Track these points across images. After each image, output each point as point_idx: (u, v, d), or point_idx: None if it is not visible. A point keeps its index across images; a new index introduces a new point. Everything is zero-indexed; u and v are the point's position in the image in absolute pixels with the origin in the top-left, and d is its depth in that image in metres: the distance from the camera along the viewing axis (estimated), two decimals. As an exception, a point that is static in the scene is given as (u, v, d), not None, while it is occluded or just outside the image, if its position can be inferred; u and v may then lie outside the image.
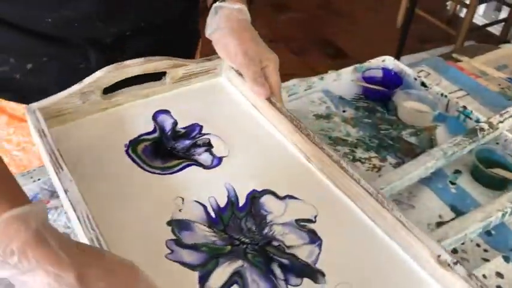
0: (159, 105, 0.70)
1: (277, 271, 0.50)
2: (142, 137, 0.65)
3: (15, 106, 0.72)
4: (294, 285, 0.49)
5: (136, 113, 0.68)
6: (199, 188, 0.58)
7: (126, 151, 0.62)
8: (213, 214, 0.55)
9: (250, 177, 0.60)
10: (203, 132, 0.66)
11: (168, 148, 0.64)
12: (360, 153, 0.73)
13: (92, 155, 0.61)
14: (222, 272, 0.50)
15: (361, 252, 0.53)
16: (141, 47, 0.71)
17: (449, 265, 0.48)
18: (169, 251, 0.51)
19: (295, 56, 2.48)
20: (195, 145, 0.64)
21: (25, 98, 0.67)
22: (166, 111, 0.69)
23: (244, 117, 0.69)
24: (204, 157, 0.62)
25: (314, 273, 0.50)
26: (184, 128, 0.67)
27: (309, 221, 0.55)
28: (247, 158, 0.63)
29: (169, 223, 0.54)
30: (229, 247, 0.52)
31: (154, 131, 0.66)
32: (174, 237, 0.52)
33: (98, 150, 0.62)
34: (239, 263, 0.51)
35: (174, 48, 0.73)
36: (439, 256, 0.49)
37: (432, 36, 2.68)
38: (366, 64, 0.89)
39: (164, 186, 0.58)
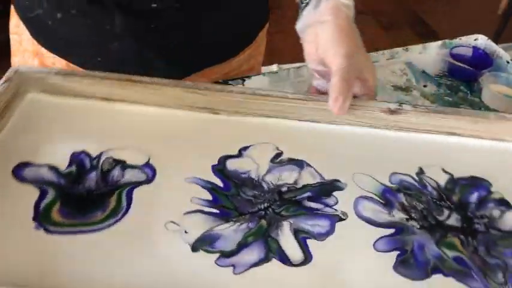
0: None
1: (312, 204, 0.50)
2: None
3: (45, 52, 0.70)
4: (332, 205, 0.50)
5: None
6: (165, 204, 0.49)
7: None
8: (214, 209, 0.49)
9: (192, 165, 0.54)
10: (93, 155, 0.53)
11: (79, 195, 0.49)
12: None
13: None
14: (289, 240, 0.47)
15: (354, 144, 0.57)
16: (180, 22, 0.66)
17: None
18: (218, 264, 0.44)
19: (384, 31, 2.13)
20: (105, 172, 0.51)
21: (55, 48, 0.69)
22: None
23: (103, 113, 0.58)
24: (134, 173, 0.51)
25: (332, 185, 0.52)
26: (67, 166, 0.51)
27: (278, 155, 0.55)
28: (176, 152, 0.55)
29: (194, 249, 0.45)
30: (264, 222, 0.48)
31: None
32: (217, 256, 0.45)
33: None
34: (286, 223, 0.48)
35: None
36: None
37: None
38: (456, 41, 0.82)
39: (138, 226, 0.46)
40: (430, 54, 0.82)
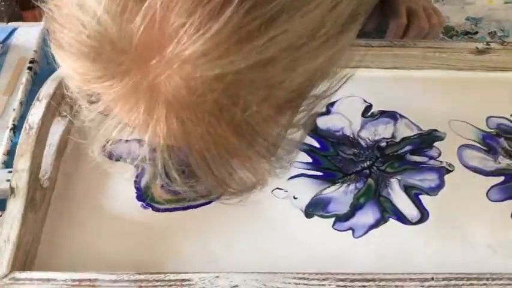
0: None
1: (416, 158, 0.48)
2: (144, 183, 0.46)
3: None
4: (436, 157, 0.49)
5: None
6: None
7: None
8: (317, 172, 0.47)
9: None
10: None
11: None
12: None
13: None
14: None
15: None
16: None
17: (486, 48, 0.55)
18: (336, 229, 0.43)
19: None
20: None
21: None
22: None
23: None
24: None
25: (431, 135, 0.50)
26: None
27: (368, 108, 0.53)
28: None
29: (308, 215, 0.44)
30: (371, 181, 0.47)
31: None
32: (333, 220, 0.44)
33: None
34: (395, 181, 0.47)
35: None
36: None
37: None
38: None
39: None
40: None
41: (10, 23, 0.71)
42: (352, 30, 0.27)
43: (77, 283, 0.35)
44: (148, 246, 0.41)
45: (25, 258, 0.38)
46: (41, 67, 0.61)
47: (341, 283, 0.36)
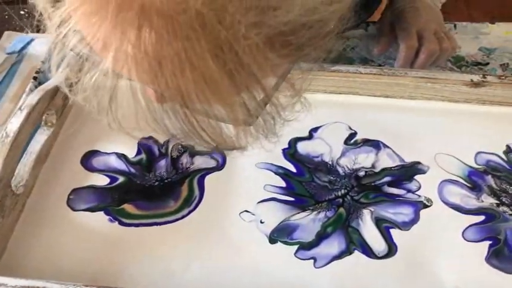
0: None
1: (393, 190, 0.47)
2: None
3: None
4: (415, 191, 0.47)
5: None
6: (238, 192, 0.47)
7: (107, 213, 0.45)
8: (288, 197, 0.46)
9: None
10: (160, 141, 0.51)
11: (151, 184, 0.48)
12: None
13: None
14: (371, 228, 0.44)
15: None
16: None
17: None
18: (298, 257, 0.42)
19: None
20: (175, 159, 0.50)
21: None
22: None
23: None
24: (203, 160, 0.49)
25: (413, 167, 0.49)
26: (136, 154, 0.50)
27: (352, 136, 0.52)
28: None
29: (272, 240, 0.43)
30: (342, 210, 0.46)
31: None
32: (296, 248, 0.43)
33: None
34: (367, 210, 0.45)
35: None
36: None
37: None
38: None
39: (212, 216, 0.45)
40: None
41: (31, 33, 0.74)
42: None
43: (26, 290, 0.36)
44: (108, 259, 0.42)
45: (-15, 260, 0.39)
46: (47, 77, 0.64)
47: (284, 313, 0.35)
